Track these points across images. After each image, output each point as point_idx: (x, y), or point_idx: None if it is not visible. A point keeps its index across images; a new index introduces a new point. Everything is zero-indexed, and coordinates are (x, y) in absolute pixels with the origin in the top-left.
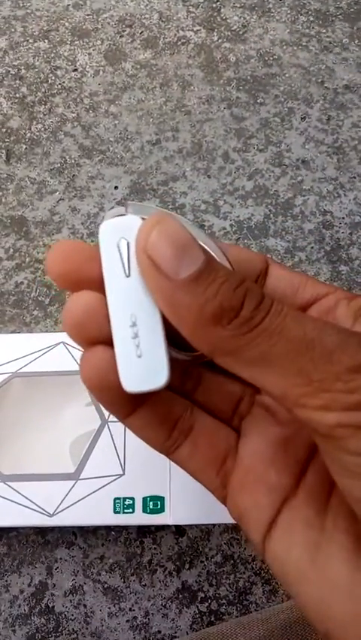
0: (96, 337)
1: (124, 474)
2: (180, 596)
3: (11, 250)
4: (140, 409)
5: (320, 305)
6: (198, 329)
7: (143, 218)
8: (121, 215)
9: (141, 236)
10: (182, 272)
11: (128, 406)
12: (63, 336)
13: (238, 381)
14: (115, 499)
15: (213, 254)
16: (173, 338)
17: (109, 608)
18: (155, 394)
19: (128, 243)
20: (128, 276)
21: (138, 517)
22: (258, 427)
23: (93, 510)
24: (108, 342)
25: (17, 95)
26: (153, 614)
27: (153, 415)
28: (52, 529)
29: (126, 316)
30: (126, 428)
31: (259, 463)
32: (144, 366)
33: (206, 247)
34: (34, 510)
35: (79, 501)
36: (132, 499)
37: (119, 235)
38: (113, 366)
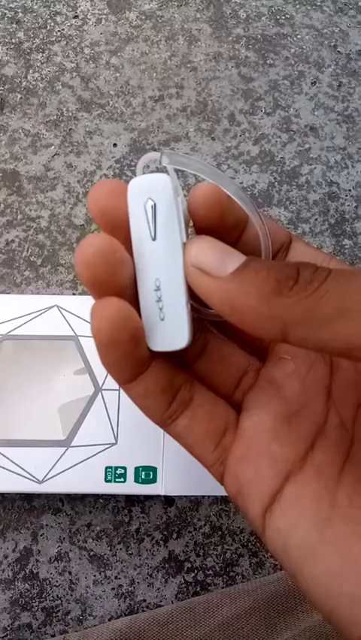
0: (107, 283)
1: (117, 443)
2: (167, 565)
3: (2, 206)
4: (142, 375)
5: None
6: (262, 309)
7: (177, 170)
8: (155, 159)
9: (185, 255)
10: (228, 268)
11: (132, 369)
12: (57, 299)
13: (245, 352)
14: (107, 467)
15: (257, 226)
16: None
17: (94, 575)
18: (159, 362)
19: (155, 205)
20: (154, 239)
21: (130, 487)
22: (262, 400)
23: (84, 478)
24: (122, 293)
25: (13, 41)
26: (138, 582)
27: (156, 382)
28: (38, 495)
29: (151, 280)
30: (120, 397)
31: (263, 436)
32: (166, 328)
33: (250, 214)
34: (23, 476)
35: (69, 468)
36: (124, 468)
37: (146, 195)
38: (127, 320)
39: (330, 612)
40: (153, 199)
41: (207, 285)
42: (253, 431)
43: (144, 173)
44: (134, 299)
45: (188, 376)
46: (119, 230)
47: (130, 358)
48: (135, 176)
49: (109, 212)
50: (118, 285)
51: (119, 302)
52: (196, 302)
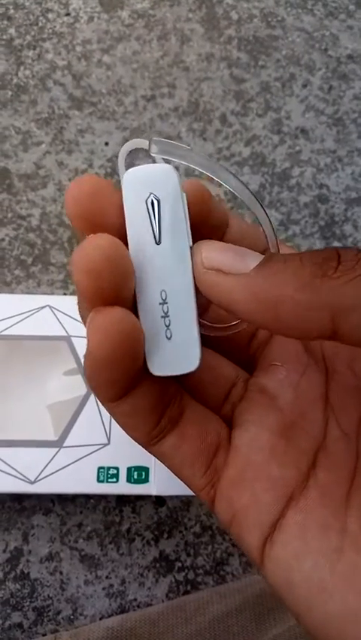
0: (111, 293)
1: (109, 443)
2: (158, 565)
3: None
4: (131, 393)
5: None
6: (304, 296)
7: (168, 162)
8: (142, 149)
9: (195, 258)
10: (251, 264)
11: (125, 387)
12: (49, 299)
13: (232, 363)
14: (99, 468)
15: (261, 220)
16: (202, 311)
17: (85, 575)
18: (149, 378)
19: (158, 201)
20: (158, 243)
21: (122, 487)
22: (255, 413)
23: (76, 478)
24: (121, 304)
25: (4, 37)
26: (129, 582)
27: (145, 399)
28: (29, 495)
29: (155, 291)
30: None
31: (259, 454)
32: (173, 348)
33: (254, 209)
34: (15, 476)
35: (62, 469)
36: (117, 468)
37: (148, 190)
38: (131, 335)
39: None
40: (155, 194)
41: (228, 285)
42: (247, 449)
43: (126, 162)
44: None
45: (177, 389)
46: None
47: (125, 377)
48: (117, 167)
49: (92, 215)
50: (123, 299)
51: (123, 312)
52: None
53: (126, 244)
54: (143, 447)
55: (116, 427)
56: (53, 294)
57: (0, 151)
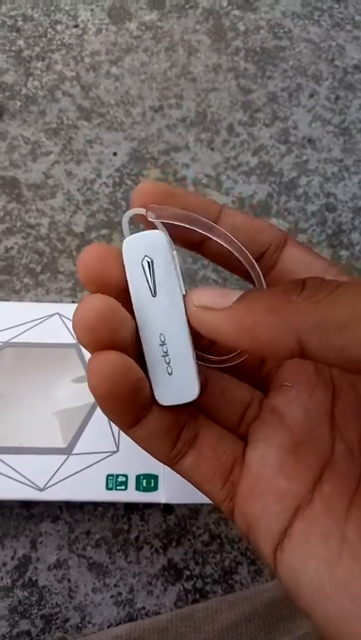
0: (108, 344)
1: (118, 451)
2: (166, 573)
3: (2, 213)
4: (144, 419)
5: None
6: (273, 319)
7: (165, 225)
8: (141, 214)
9: (187, 302)
10: (232, 299)
11: (134, 415)
12: (59, 307)
13: (247, 385)
14: (108, 475)
15: (255, 278)
16: (204, 345)
17: (93, 583)
18: (160, 404)
19: (152, 262)
20: (154, 295)
21: (131, 495)
22: (266, 432)
23: (85, 486)
24: (123, 351)
25: (13, 49)
26: (137, 590)
27: (158, 425)
28: (37, 502)
29: (156, 336)
30: None
31: (268, 470)
32: (175, 382)
33: (248, 268)
34: (24, 484)
35: (71, 476)
36: (126, 476)
37: (142, 253)
38: (125, 375)
39: None
40: (149, 256)
41: (214, 318)
42: (258, 466)
43: (130, 224)
44: (135, 354)
45: (192, 411)
46: (112, 291)
47: (130, 407)
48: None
49: (102, 279)
50: (119, 345)
51: (116, 356)
52: (200, 350)
53: (129, 296)
54: (168, 466)
55: (124, 435)
56: (61, 301)
57: (9, 161)
